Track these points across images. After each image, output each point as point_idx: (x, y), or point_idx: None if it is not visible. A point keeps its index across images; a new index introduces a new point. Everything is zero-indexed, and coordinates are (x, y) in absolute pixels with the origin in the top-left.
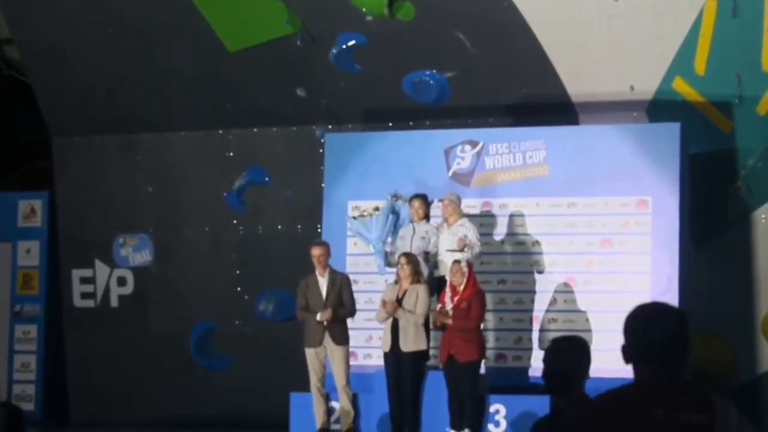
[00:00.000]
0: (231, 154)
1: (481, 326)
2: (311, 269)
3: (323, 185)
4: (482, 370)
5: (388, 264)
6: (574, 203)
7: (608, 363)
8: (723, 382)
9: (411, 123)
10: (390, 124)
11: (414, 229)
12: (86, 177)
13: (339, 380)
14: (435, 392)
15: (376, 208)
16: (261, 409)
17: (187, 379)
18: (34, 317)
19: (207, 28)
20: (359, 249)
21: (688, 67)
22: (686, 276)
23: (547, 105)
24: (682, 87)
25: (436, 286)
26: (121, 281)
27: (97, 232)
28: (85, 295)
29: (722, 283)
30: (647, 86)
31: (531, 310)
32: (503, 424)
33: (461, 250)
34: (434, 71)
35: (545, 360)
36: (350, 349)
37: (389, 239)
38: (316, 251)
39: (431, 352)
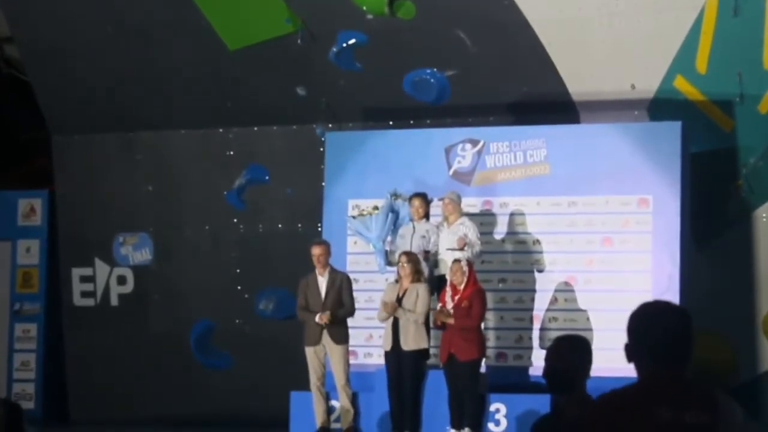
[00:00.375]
0: (231, 152)
1: (482, 325)
2: (311, 268)
3: (323, 184)
4: (483, 369)
5: (389, 263)
6: (575, 202)
7: (609, 362)
8: (724, 381)
9: (411, 122)
10: (390, 123)
11: (414, 228)
12: (86, 175)
13: (338, 379)
14: (435, 391)
15: (376, 207)
16: (261, 408)
17: (187, 378)
18: (33, 316)
19: (207, 26)
20: (359, 248)
21: (689, 65)
22: (687, 275)
23: (547, 104)
24: (683, 85)
25: (437, 285)
26: (121, 280)
27: (97, 231)
28: (84, 294)
29: (723, 282)
30: (648, 85)
31: (531, 309)
32: (503, 423)
33: (461, 249)
34: (435, 70)
35: (547, 359)
36: (351, 348)
37: (389, 238)
38: (316, 250)
39: (431, 351)
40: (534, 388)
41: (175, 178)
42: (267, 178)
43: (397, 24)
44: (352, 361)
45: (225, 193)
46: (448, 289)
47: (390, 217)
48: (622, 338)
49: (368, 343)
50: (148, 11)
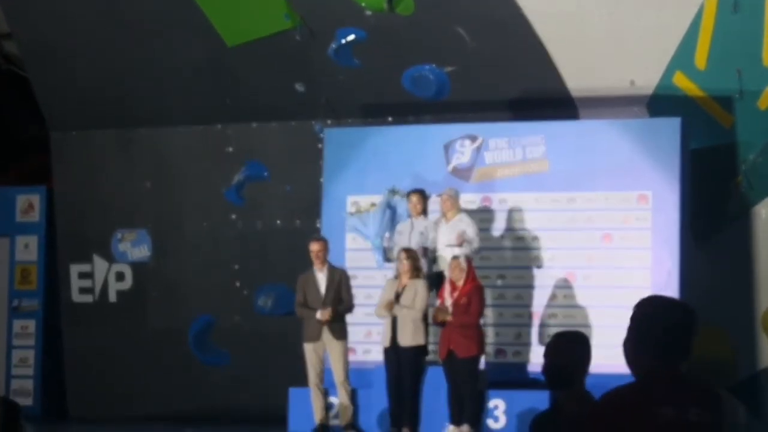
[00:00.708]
0: (230, 149)
1: (481, 322)
2: (310, 264)
3: (322, 180)
4: (482, 366)
5: (387, 259)
6: (574, 198)
7: (609, 359)
8: (723, 377)
9: (410, 118)
10: (389, 119)
11: (412, 224)
12: (85, 172)
13: (337, 375)
14: (434, 387)
15: (373, 204)
16: (260, 405)
17: (186, 375)
18: (32, 312)
19: (206, 22)
20: (358, 244)
21: (688, 61)
22: (686, 271)
23: (546, 100)
24: (682, 82)
25: (435, 281)
26: (120, 276)
27: (95, 227)
28: (83, 290)
29: (722, 278)
30: (647, 81)
31: (531, 306)
32: (503, 419)
33: (459, 246)
34: (434, 66)
35: (546, 355)
36: (349, 345)
37: (387, 234)
38: (314, 247)
39: (430, 347)
40: (533, 385)
41: (173, 175)
42: (266, 174)
43: (395, 20)
44: (351, 357)
45: (224, 189)
46: (447, 285)
47: (387, 214)
48: (622, 335)
49: (367, 339)
50: (147, 8)
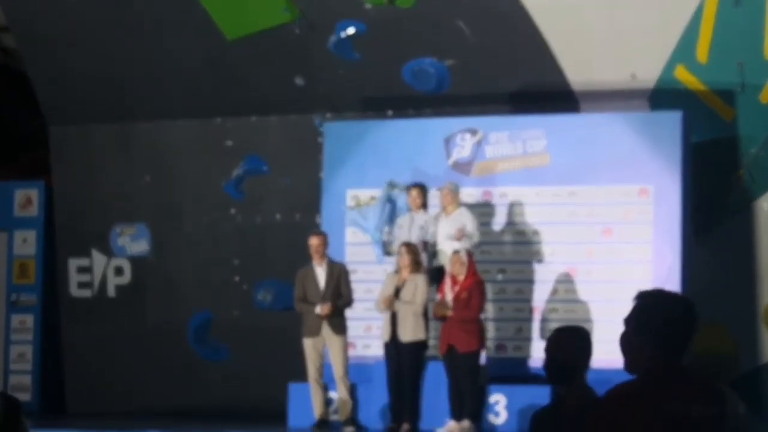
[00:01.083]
0: (229, 143)
1: (481, 316)
2: (309, 259)
3: (322, 174)
4: (483, 361)
5: (387, 253)
6: (575, 192)
7: (610, 353)
8: (724, 372)
9: (411, 111)
10: (390, 113)
11: (412, 218)
12: (83, 166)
13: (337, 370)
14: (435, 382)
15: (372, 198)
16: (259, 400)
17: (185, 370)
18: (30, 307)
19: (205, 16)
20: (358, 238)
21: (690, 55)
22: (688, 265)
23: (547, 93)
24: (683, 75)
25: (435, 276)
26: (119, 271)
27: (94, 222)
28: (81, 285)
29: (724, 273)
30: (649, 74)
31: (531, 300)
32: (503, 414)
33: (458, 240)
34: (434, 59)
35: (547, 350)
36: (349, 340)
37: (387, 228)
38: (314, 241)
39: (430, 342)
40: (534, 380)
41: (172, 169)
42: (265, 168)
43: (395, 13)
44: (350, 352)
45: (223, 183)
46: (448, 280)
47: (387, 207)
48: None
49: (367, 334)
50: (145, 1)
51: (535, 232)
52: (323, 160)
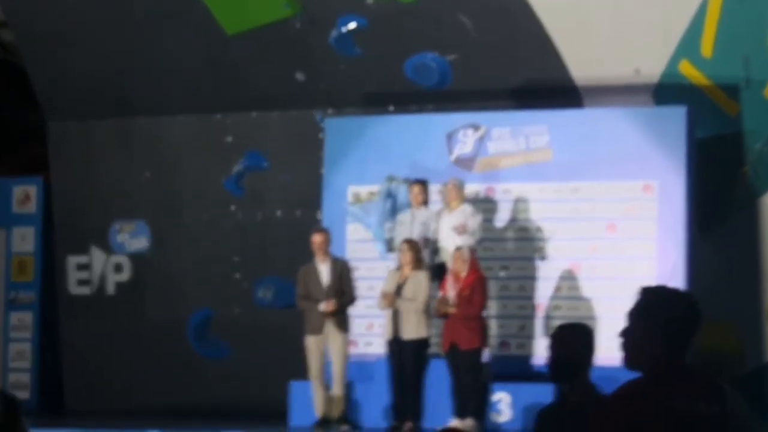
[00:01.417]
0: (229, 138)
1: (484, 313)
2: (311, 256)
3: (323, 170)
4: (486, 358)
5: (389, 249)
6: (578, 188)
7: (613, 351)
8: (729, 369)
9: (412, 107)
10: (391, 108)
11: (413, 214)
12: (82, 162)
13: (337, 367)
14: (438, 380)
15: (372, 193)
16: (260, 398)
17: (185, 367)
18: (29, 304)
19: (205, 10)
20: (359, 235)
21: (694, 49)
22: (692, 262)
23: (550, 88)
24: (688, 70)
25: (437, 272)
26: (118, 268)
27: (93, 218)
28: (81, 282)
29: (728, 270)
30: (653, 69)
31: (534, 297)
32: (507, 412)
33: (460, 235)
34: (436, 54)
35: (550, 347)
36: (351, 337)
37: (388, 224)
38: (316, 238)
39: (432, 339)
40: (537, 377)
41: (172, 165)
42: (265, 164)
43: (397, 8)
44: (352, 350)
45: (223, 180)
46: (450, 277)
47: (388, 202)
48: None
49: (369, 332)
50: None
51: (538, 229)
52: (324, 156)
